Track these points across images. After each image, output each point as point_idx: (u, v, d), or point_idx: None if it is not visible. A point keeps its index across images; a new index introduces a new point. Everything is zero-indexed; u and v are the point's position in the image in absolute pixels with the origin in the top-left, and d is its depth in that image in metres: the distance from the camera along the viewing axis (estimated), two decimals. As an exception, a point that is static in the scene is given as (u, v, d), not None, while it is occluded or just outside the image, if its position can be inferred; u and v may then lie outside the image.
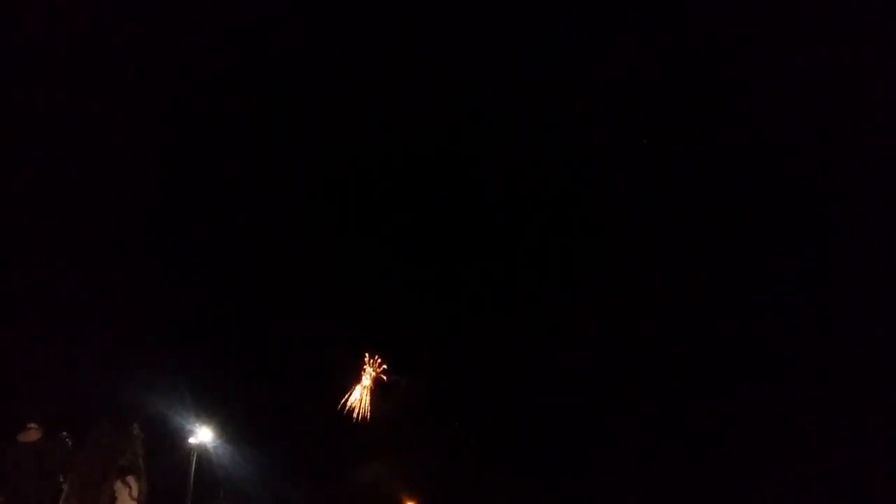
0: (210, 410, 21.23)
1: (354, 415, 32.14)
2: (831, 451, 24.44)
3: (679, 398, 28.65)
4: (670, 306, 28.42)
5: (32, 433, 7.33)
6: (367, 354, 33.03)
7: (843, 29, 21.82)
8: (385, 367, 32.97)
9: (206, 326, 26.14)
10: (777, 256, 27.79)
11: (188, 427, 20.33)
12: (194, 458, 20.03)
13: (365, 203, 33.00)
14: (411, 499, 30.91)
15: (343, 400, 32.15)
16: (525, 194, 32.01)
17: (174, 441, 20.11)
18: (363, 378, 32.85)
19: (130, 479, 4.46)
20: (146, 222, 25.49)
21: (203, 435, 20.88)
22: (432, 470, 29.79)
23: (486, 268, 33.15)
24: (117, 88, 21.79)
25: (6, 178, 19.26)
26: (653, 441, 28.42)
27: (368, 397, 32.57)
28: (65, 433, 7.53)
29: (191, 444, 20.44)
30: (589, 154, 29.65)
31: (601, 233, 31.12)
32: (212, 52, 24.57)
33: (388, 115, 29.37)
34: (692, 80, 26.53)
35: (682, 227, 28.86)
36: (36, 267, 20.57)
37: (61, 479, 6.99)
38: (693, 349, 28.34)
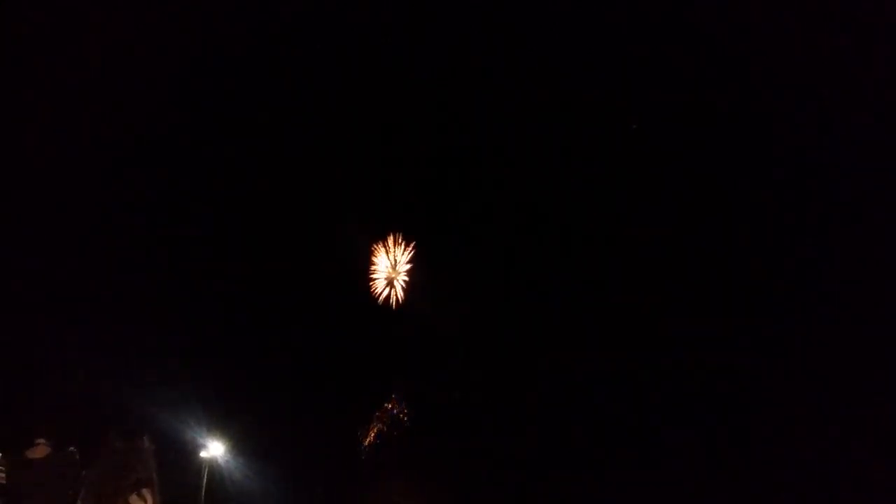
0: (222, 424, 21.03)
1: None
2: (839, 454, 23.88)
3: (683, 404, 28.17)
4: (669, 304, 28.03)
5: (41, 449, 7.15)
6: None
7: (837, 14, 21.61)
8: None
9: (220, 339, 26.01)
10: (776, 249, 27.30)
11: (200, 441, 20.12)
12: (206, 473, 19.82)
13: (371, 210, 32.91)
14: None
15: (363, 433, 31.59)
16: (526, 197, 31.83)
17: (185, 455, 19.91)
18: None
19: (146, 492, 4.18)
20: (158, 233, 25.45)
21: (214, 449, 20.66)
22: (442, 483, 29.40)
23: (486, 271, 32.93)
24: (132, 91, 21.74)
25: (24, 194, 19.24)
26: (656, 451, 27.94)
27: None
28: (73, 448, 7.36)
29: (202, 457, 20.23)
30: (579, 146, 29.34)
31: (601, 232, 30.90)
32: (226, 62, 24.62)
33: (384, 119, 29.39)
34: (684, 68, 26.29)
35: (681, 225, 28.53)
36: (43, 280, 20.47)
37: (71, 494, 6.81)
38: (697, 352, 27.91)
